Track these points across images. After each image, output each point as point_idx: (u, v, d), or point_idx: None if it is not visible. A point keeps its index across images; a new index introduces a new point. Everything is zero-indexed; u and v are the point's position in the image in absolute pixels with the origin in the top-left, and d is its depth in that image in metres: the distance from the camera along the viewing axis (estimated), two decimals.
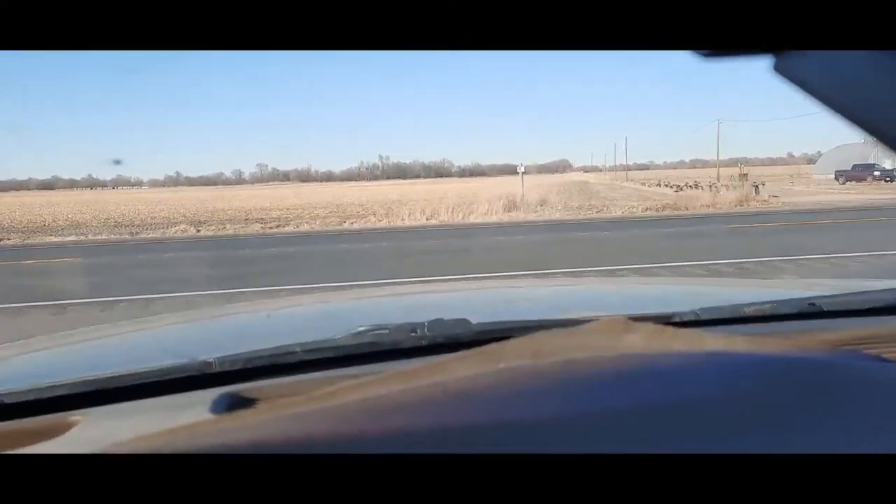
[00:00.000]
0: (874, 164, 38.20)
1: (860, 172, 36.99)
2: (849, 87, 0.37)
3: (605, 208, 20.07)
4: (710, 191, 21.94)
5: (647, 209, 18.94)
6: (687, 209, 18.60)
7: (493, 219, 17.63)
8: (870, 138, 0.38)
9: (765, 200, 20.53)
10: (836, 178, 37.98)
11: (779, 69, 0.39)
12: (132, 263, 10.67)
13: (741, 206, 19.12)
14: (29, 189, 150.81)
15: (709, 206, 19.02)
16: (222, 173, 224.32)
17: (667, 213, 18.06)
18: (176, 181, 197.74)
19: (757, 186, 22.52)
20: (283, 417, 0.59)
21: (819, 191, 29.09)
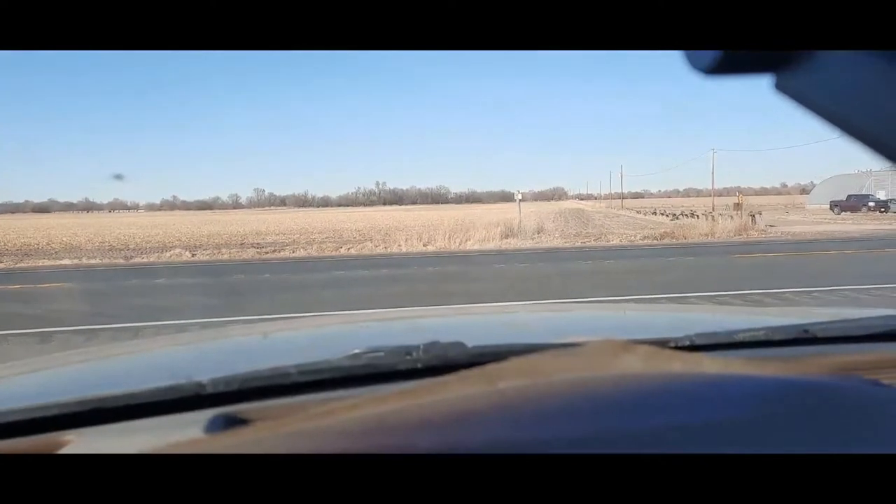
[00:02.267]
0: (869, 195, 38.63)
1: (855, 203, 37.40)
2: (855, 101, 0.36)
3: (602, 236, 20.04)
4: (707, 220, 21.88)
5: (645, 238, 18.91)
6: (685, 238, 18.56)
7: (490, 246, 17.54)
8: (878, 156, 0.37)
9: (762, 230, 20.51)
10: (832, 209, 38.36)
11: (780, 87, 0.39)
12: (122, 290, 10.49)
13: (740, 235, 19.08)
14: (25, 212, 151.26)
15: (707, 235, 18.99)
16: (219, 198, 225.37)
17: (666, 241, 18.01)
18: (172, 205, 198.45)
19: (754, 216, 22.55)
20: (279, 435, 0.58)
21: (815, 220, 29.18)
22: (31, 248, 22.19)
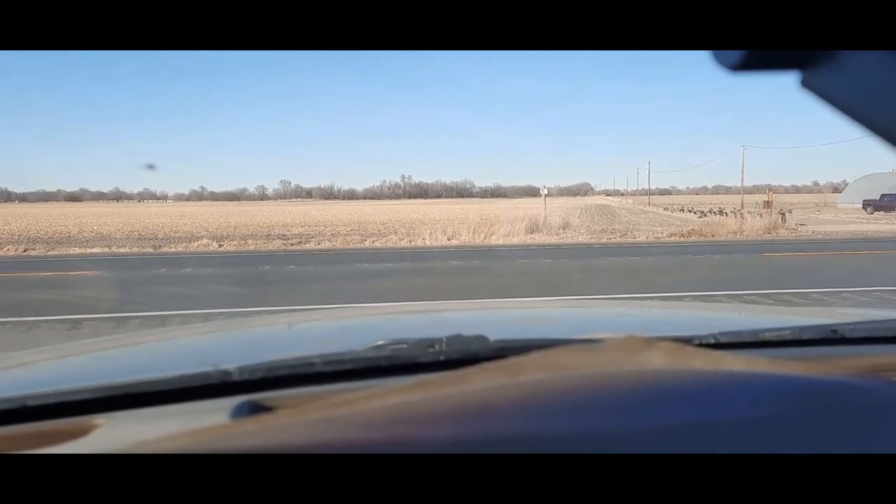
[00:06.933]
0: None
1: (888, 202, 36.63)
2: (880, 100, 0.36)
3: (628, 233, 19.85)
4: (736, 217, 21.55)
5: (672, 234, 18.69)
6: (713, 236, 18.32)
7: (515, 241, 17.48)
8: None
9: (793, 229, 20.17)
10: (864, 208, 37.59)
11: (806, 84, 0.39)
12: (151, 278, 10.66)
13: (769, 233, 18.78)
14: (57, 200, 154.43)
15: (736, 234, 18.72)
16: (246, 189, 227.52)
17: (693, 239, 17.78)
18: (200, 196, 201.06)
19: (784, 214, 22.16)
20: (303, 422, 0.59)
21: (847, 220, 28.60)
22: (63, 235, 22.64)
